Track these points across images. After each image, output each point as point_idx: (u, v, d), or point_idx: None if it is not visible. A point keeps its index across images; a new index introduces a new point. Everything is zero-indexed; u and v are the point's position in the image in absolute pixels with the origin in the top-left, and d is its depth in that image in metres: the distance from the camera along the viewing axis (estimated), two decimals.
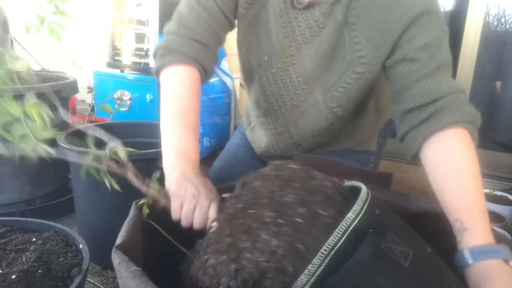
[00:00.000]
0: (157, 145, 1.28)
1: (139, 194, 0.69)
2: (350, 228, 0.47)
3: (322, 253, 0.46)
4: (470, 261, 0.59)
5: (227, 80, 2.16)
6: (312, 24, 0.89)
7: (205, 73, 0.90)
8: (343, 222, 0.48)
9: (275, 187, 0.56)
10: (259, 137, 1.17)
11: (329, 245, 0.46)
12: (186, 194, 0.66)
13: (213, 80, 2.11)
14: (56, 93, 1.24)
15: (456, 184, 0.70)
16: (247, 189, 0.61)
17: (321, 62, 0.92)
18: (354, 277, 0.45)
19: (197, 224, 0.65)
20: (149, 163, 0.98)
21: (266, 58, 0.97)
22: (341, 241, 0.47)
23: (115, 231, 0.59)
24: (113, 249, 0.53)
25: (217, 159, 1.30)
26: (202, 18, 0.89)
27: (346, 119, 1.02)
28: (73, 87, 1.33)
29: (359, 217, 0.48)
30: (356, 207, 0.49)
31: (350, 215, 0.48)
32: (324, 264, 0.45)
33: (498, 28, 2.10)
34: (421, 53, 0.78)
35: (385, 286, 0.46)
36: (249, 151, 1.24)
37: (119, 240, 0.56)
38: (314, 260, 0.46)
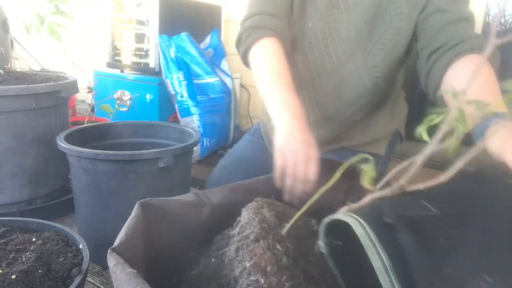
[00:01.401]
0: (157, 145, 1.29)
1: (139, 195, 0.69)
2: None
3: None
4: (495, 120, 0.56)
5: (227, 80, 2.16)
6: None
7: (284, 40, 0.99)
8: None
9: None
10: None
11: None
12: (287, 151, 0.68)
13: (213, 80, 2.11)
14: (56, 93, 1.24)
15: (477, 84, 0.70)
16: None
17: (362, 28, 1.00)
18: None
19: (292, 182, 0.66)
20: (149, 163, 0.98)
21: (310, 25, 1.05)
22: None
23: (115, 231, 0.59)
24: (109, 251, 0.53)
25: (223, 157, 1.31)
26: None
27: (381, 92, 1.08)
28: (73, 87, 1.33)
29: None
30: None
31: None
32: None
33: (498, 28, 2.10)
34: (450, 5, 0.90)
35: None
36: (259, 151, 1.25)
37: (116, 242, 0.56)
38: None
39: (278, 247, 0.53)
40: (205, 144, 2.06)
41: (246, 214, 0.61)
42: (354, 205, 0.48)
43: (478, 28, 1.87)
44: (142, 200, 0.67)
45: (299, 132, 0.72)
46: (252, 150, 1.28)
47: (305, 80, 1.11)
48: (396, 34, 0.99)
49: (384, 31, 0.99)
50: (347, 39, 1.02)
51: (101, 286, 1.00)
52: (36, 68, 1.98)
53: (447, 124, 0.40)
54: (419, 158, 0.44)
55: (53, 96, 1.24)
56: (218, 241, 0.64)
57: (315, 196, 0.54)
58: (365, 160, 0.48)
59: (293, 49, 1.11)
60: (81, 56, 2.75)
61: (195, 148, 1.28)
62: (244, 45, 0.99)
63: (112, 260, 0.52)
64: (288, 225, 0.57)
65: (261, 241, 0.53)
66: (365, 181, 0.48)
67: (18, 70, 1.48)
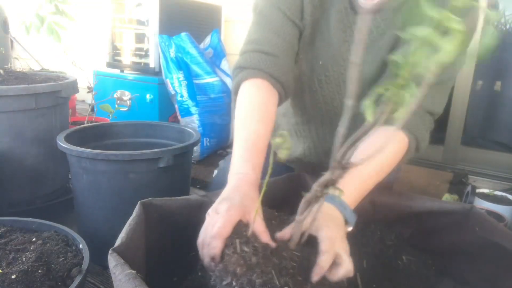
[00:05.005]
0: (157, 145, 1.29)
1: (139, 195, 0.69)
2: None
3: None
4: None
5: (227, 80, 2.16)
6: (373, 30, 0.89)
7: (278, 81, 0.88)
8: None
9: None
10: (292, 146, 1.17)
11: None
12: (213, 209, 0.63)
13: (213, 80, 2.11)
14: (56, 93, 1.24)
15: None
16: None
17: (379, 67, 0.91)
18: None
19: (204, 238, 0.61)
20: (149, 163, 0.98)
21: (320, 63, 0.97)
22: None
23: (115, 231, 0.59)
24: (109, 252, 0.53)
25: (225, 159, 1.26)
26: (268, 32, 0.89)
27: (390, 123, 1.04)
28: (73, 87, 1.33)
29: None
30: None
31: None
32: None
33: (498, 28, 2.10)
34: None
35: None
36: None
37: (117, 242, 0.56)
38: None
39: (245, 248, 0.55)
40: (205, 144, 2.06)
41: None
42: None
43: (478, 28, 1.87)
44: (144, 200, 0.67)
45: (234, 200, 0.64)
46: None
47: (313, 117, 1.06)
48: None
49: None
50: (361, 79, 0.97)
51: (101, 286, 1.00)
52: (36, 68, 1.98)
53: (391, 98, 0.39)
54: (359, 134, 0.44)
55: (53, 96, 1.24)
56: None
57: (263, 188, 0.57)
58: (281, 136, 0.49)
59: (300, 85, 1.04)
60: (81, 56, 2.75)
61: (195, 148, 1.28)
62: (233, 85, 0.92)
63: (112, 260, 0.52)
64: (250, 228, 0.58)
65: (229, 246, 0.55)
66: (281, 154, 0.49)
67: (18, 70, 1.48)
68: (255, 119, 0.80)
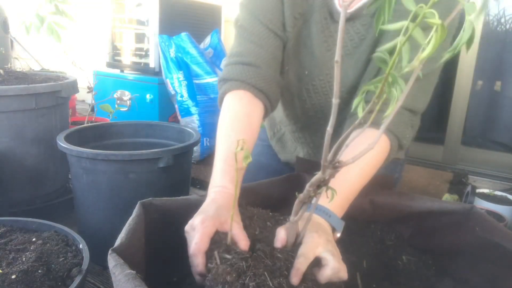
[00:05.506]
0: (157, 145, 1.28)
1: (139, 195, 0.69)
2: None
3: None
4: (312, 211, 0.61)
5: None
6: (354, 36, 0.90)
7: (260, 91, 0.87)
8: None
9: None
10: (294, 150, 1.17)
11: None
12: (189, 224, 0.63)
13: (213, 80, 2.11)
14: (56, 93, 1.24)
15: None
16: None
17: (362, 71, 0.92)
18: None
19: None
20: (149, 163, 0.98)
21: (306, 73, 0.97)
22: None
23: (115, 231, 0.59)
24: (109, 252, 0.53)
25: None
26: (250, 44, 0.89)
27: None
28: (73, 87, 1.33)
29: None
30: None
31: None
32: None
33: (498, 28, 2.10)
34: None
35: None
36: (275, 157, 1.24)
37: (116, 242, 0.56)
38: None
39: (227, 256, 0.55)
40: (205, 144, 2.06)
41: None
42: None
43: (477, 28, 1.87)
44: (144, 200, 0.67)
45: (208, 212, 0.64)
46: (266, 157, 1.26)
47: (306, 125, 1.07)
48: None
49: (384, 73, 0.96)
50: (346, 85, 0.95)
51: (101, 286, 1.00)
52: (36, 68, 1.98)
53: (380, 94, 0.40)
54: (348, 133, 0.44)
55: (53, 96, 1.24)
56: None
57: (235, 197, 0.57)
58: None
59: (290, 95, 1.05)
60: (81, 56, 2.75)
61: (195, 148, 1.28)
62: (218, 96, 0.93)
63: (112, 260, 0.52)
64: (228, 236, 0.58)
65: (210, 259, 0.55)
66: (243, 163, 0.50)
67: (18, 70, 1.48)
68: (236, 131, 0.80)
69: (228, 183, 0.71)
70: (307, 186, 0.51)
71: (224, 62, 0.93)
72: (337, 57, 0.38)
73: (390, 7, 0.35)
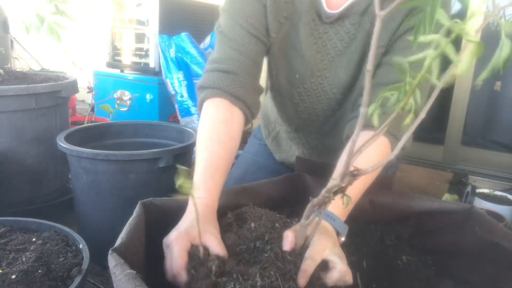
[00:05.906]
0: (157, 145, 1.28)
1: (139, 195, 0.69)
2: None
3: None
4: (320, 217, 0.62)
5: None
6: (344, 36, 0.89)
7: (238, 98, 0.86)
8: None
9: None
10: (289, 149, 1.17)
11: None
12: (165, 239, 0.63)
13: None
14: (56, 93, 1.24)
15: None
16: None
17: (354, 70, 0.92)
18: None
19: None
20: (149, 163, 0.98)
21: (297, 76, 0.97)
22: None
23: (115, 231, 0.59)
24: (109, 252, 0.53)
25: (234, 167, 1.25)
26: (230, 50, 0.88)
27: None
28: (73, 87, 1.33)
29: None
30: None
31: None
32: None
33: (498, 28, 2.10)
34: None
35: None
36: (271, 156, 1.24)
37: (117, 242, 0.56)
38: None
39: (202, 268, 0.55)
40: None
41: None
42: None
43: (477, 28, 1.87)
44: (144, 200, 0.67)
45: (180, 228, 0.64)
46: (263, 157, 1.26)
47: (300, 126, 1.08)
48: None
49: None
50: (338, 85, 0.95)
51: (101, 286, 1.00)
52: (36, 68, 1.98)
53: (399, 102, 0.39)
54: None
55: (53, 96, 1.24)
56: None
57: (195, 212, 0.56)
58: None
59: (282, 98, 1.05)
60: (81, 56, 2.75)
61: (195, 148, 1.28)
62: (197, 102, 0.91)
63: (112, 260, 0.52)
64: (200, 249, 0.58)
65: (188, 274, 0.56)
66: (182, 191, 0.50)
67: (18, 70, 1.48)
68: (213, 140, 0.79)
69: (204, 194, 0.70)
70: (323, 191, 0.51)
71: (205, 69, 0.92)
72: (369, 66, 0.36)
73: (432, 21, 0.33)
